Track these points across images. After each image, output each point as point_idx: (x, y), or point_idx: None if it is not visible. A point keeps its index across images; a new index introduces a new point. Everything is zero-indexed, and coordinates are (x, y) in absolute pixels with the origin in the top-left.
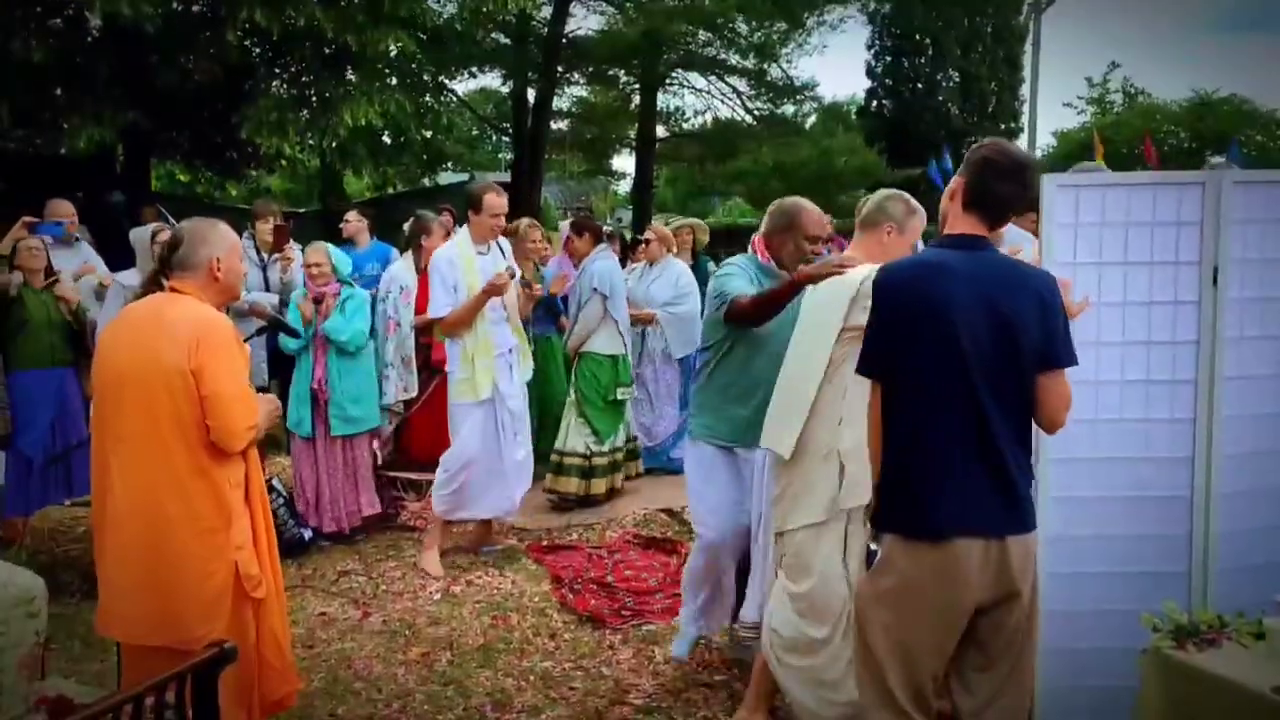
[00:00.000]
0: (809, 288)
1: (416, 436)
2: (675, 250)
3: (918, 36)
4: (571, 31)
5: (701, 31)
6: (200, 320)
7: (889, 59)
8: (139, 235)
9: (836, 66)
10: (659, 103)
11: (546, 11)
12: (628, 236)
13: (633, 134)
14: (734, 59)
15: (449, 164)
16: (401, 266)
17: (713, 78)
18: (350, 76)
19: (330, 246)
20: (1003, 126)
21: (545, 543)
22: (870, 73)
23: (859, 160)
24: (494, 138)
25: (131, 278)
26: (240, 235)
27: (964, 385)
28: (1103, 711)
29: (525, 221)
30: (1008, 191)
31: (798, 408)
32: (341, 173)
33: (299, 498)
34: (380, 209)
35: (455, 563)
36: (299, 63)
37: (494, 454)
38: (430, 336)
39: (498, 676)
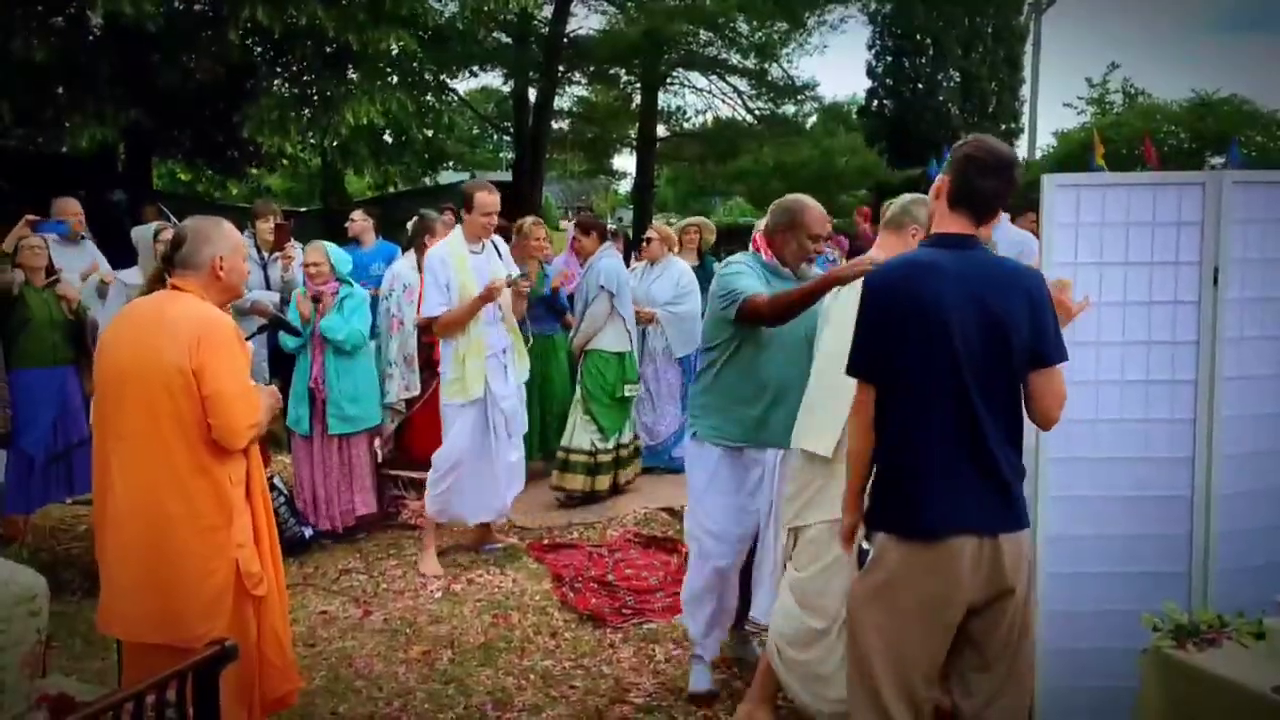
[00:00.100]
0: (835, 288)
1: (417, 435)
2: (677, 250)
3: (918, 36)
4: (573, 31)
5: (702, 31)
6: (202, 319)
7: (890, 59)
8: (141, 234)
9: (837, 66)
10: (660, 102)
11: (548, 11)
12: (629, 236)
13: (633, 133)
14: (735, 59)
15: (450, 163)
16: (404, 265)
17: (714, 77)
18: (351, 75)
19: (329, 246)
20: (1003, 126)
21: (546, 541)
22: (871, 73)
23: (860, 160)
24: (495, 137)
25: (133, 276)
26: (241, 234)
27: (955, 384)
28: (1103, 711)
29: (529, 220)
30: (992, 187)
31: (836, 408)
32: (343, 172)
33: (298, 496)
34: (382, 208)
35: (456, 561)
36: (300, 61)
37: (485, 455)
38: (432, 335)
39: (498, 675)
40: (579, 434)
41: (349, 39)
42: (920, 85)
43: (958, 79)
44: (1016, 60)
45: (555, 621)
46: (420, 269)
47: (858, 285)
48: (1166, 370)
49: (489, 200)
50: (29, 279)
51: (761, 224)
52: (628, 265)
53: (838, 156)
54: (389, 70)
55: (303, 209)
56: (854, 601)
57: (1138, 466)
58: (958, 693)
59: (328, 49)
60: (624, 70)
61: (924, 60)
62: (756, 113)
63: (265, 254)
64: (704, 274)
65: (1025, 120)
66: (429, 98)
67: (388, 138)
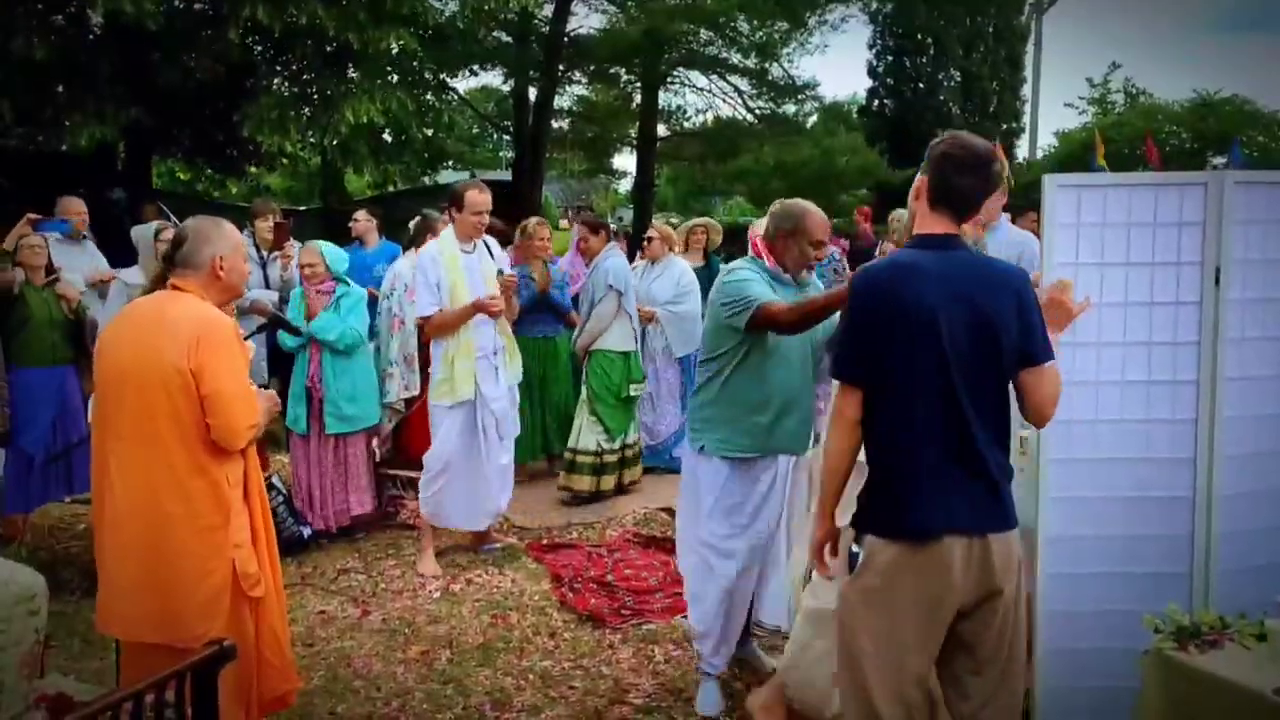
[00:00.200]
0: None
1: (415, 435)
2: (677, 249)
3: (919, 36)
4: (573, 30)
5: (703, 30)
6: (201, 319)
7: (890, 58)
8: (141, 233)
9: (838, 66)
10: (660, 101)
11: (548, 10)
12: (628, 235)
13: (634, 133)
14: (735, 58)
15: (450, 162)
16: (405, 265)
17: (714, 77)
18: (352, 74)
19: (324, 245)
20: (1004, 126)
21: (545, 541)
22: (872, 72)
23: (860, 160)
24: (495, 136)
25: (134, 275)
26: (240, 233)
27: (943, 385)
28: (1103, 712)
29: (533, 221)
30: (970, 184)
31: None
32: (342, 171)
33: (296, 495)
34: (382, 207)
35: (455, 561)
36: (300, 60)
37: (474, 458)
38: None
39: (497, 675)
40: (585, 435)
41: (349, 38)
42: (921, 85)
43: (959, 79)
44: (1018, 60)
45: (554, 622)
46: None
47: None
48: (1168, 371)
49: (480, 199)
50: (29, 278)
51: (755, 226)
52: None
53: (838, 156)
54: (389, 69)
55: (302, 208)
56: (844, 605)
57: (1139, 467)
58: (952, 695)
59: (328, 48)
60: (624, 69)
61: (925, 60)
62: (757, 112)
63: (264, 253)
64: (708, 274)
65: (1026, 120)
66: (429, 97)
67: (387, 137)
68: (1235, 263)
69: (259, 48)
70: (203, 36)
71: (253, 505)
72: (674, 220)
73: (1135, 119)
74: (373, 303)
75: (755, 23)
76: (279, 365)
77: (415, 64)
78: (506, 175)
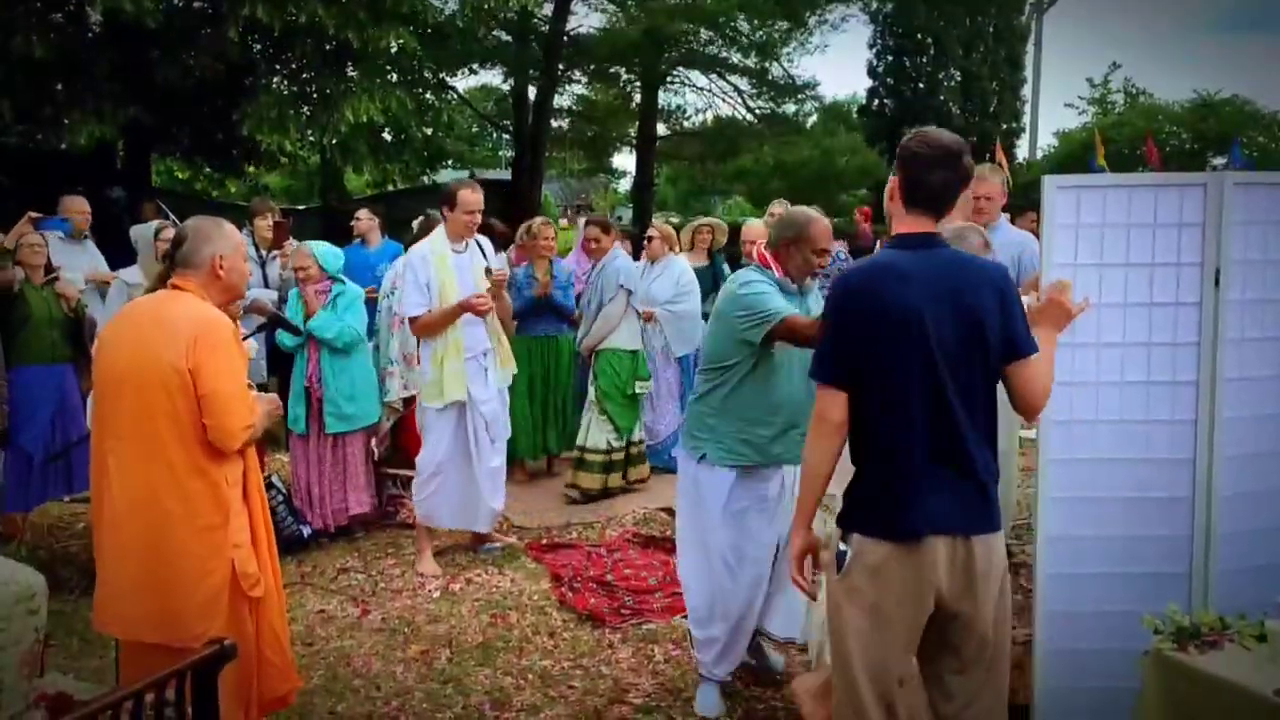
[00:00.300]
0: None
1: (414, 434)
2: (678, 249)
3: (919, 36)
4: (573, 29)
5: (703, 30)
6: (199, 318)
7: (890, 58)
8: (141, 232)
9: (838, 66)
10: (660, 101)
11: (548, 9)
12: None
13: (633, 132)
14: (735, 57)
15: (449, 161)
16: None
17: (714, 76)
18: (351, 73)
19: (316, 246)
20: (1004, 126)
21: (544, 541)
22: (872, 72)
23: (860, 160)
24: (494, 135)
25: (133, 275)
26: (240, 233)
27: (930, 385)
28: (1103, 712)
29: (538, 221)
30: (941, 180)
31: None
32: (342, 170)
33: (296, 495)
34: (382, 206)
35: (454, 561)
36: (300, 59)
37: (467, 461)
38: None
39: (496, 675)
40: (594, 433)
41: (349, 36)
42: (921, 85)
43: (959, 78)
44: (1018, 60)
45: (554, 621)
46: None
47: None
48: (1167, 371)
49: (473, 199)
50: (28, 276)
51: (749, 227)
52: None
53: (838, 156)
54: (389, 68)
55: (301, 207)
56: (832, 605)
57: (1138, 467)
58: (936, 696)
59: (327, 46)
60: (624, 69)
61: (925, 60)
62: (757, 112)
63: (264, 252)
64: (711, 273)
65: (1026, 120)
66: (428, 96)
67: (387, 135)
68: (1235, 264)
69: (258, 46)
70: (202, 35)
71: (252, 505)
72: (674, 220)
73: (1135, 119)
74: (371, 302)
75: (755, 22)
76: (278, 365)
77: (415, 63)
78: (506, 174)
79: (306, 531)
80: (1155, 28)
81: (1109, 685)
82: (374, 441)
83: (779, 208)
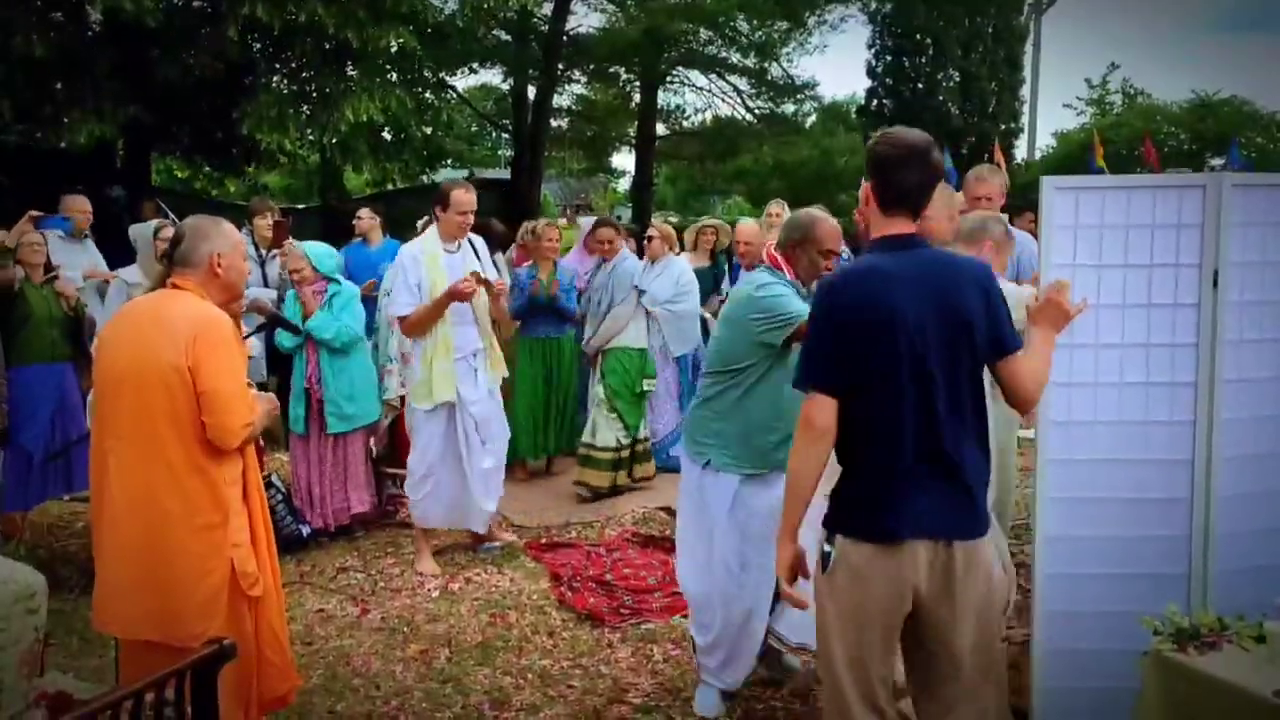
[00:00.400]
0: None
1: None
2: (677, 249)
3: (918, 36)
4: (572, 29)
5: (702, 30)
6: (198, 317)
7: (889, 58)
8: (140, 231)
9: (837, 66)
10: (659, 100)
11: (547, 8)
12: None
13: (633, 132)
14: (735, 57)
15: (449, 161)
16: None
17: (713, 76)
18: (351, 72)
19: (308, 246)
20: (1003, 126)
21: (544, 540)
22: (871, 72)
23: (859, 160)
24: (494, 135)
25: (133, 274)
26: (239, 232)
27: (918, 388)
28: (1101, 713)
29: (542, 222)
30: (912, 178)
31: None
32: (341, 169)
33: (295, 494)
34: (382, 204)
35: (453, 560)
36: (300, 58)
37: (457, 462)
38: None
39: (496, 674)
40: (603, 431)
41: (348, 36)
42: (920, 85)
43: (957, 79)
44: (1016, 60)
45: (553, 621)
46: None
47: None
48: (1166, 372)
49: (465, 199)
50: (28, 275)
51: (742, 226)
52: None
53: (837, 156)
54: (388, 67)
55: (301, 206)
56: (817, 606)
57: (1137, 468)
58: (920, 699)
59: (327, 46)
60: (623, 68)
61: (924, 60)
62: (756, 112)
63: (263, 251)
64: (713, 274)
65: (1025, 120)
66: (428, 95)
67: (387, 135)
68: (1233, 265)
69: (258, 45)
70: (202, 33)
71: (252, 504)
72: (673, 219)
73: (1134, 120)
74: (370, 299)
75: (755, 22)
76: (277, 365)
77: (414, 62)
78: (505, 174)
79: (305, 531)
80: (1154, 28)
81: (1107, 686)
82: (372, 440)
83: (777, 208)
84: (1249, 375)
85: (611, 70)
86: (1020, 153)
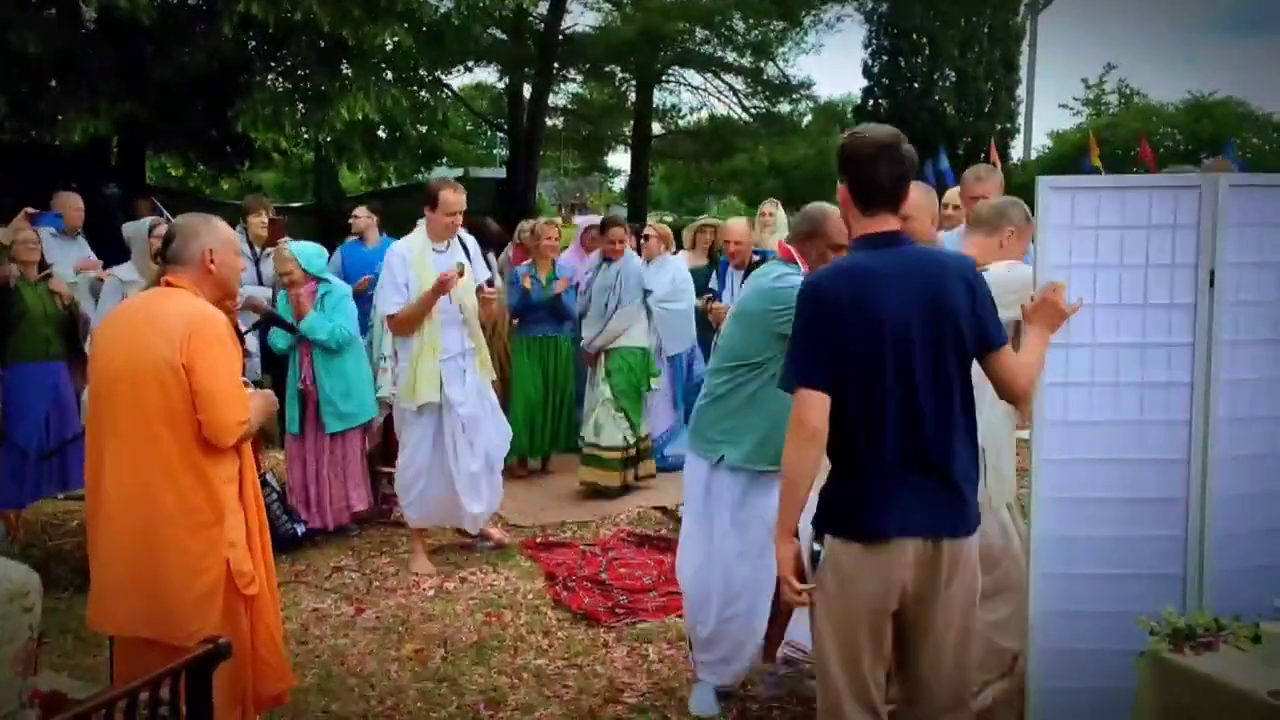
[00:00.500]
0: None
1: None
2: (673, 249)
3: (915, 36)
4: (568, 27)
5: (698, 29)
6: (193, 314)
7: (886, 58)
8: (135, 229)
9: (833, 65)
10: (655, 100)
11: (543, 7)
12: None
13: (628, 131)
14: (731, 57)
15: (444, 160)
16: None
17: (709, 75)
18: (346, 70)
19: (295, 248)
20: (999, 127)
21: (539, 540)
22: (867, 72)
23: None
24: (489, 133)
25: (128, 272)
26: (233, 230)
27: (903, 386)
28: (1097, 714)
29: (541, 220)
30: (885, 172)
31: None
32: (336, 167)
33: (291, 493)
34: (378, 202)
35: (448, 559)
36: (295, 56)
37: (442, 464)
38: None
39: (491, 674)
40: (610, 430)
41: (344, 34)
42: (916, 85)
43: (954, 79)
44: (1013, 60)
45: (548, 620)
46: None
47: None
48: (1162, 372)
49: (454, 200)
50: (23, 273)
51: (731, 225)
52: None
53: (833, 156)
54: (384, 65)
55: (296, 205)
56: (812, 607)
57: (1133, 468)
58: (900, 696)
59: (322, 44)
60: (619, 67)
61: (920, 60)
62: (752, 111)
63: (258, 250)
64: (709, 274)
65: (1021, 121)
66: (423, 93)
67: (382, 133)
68: (1229, 265)
69: (253, 43)
70: (197, 31)
71: (247, 503)
72: (668, 219)
73: (1129, 120)
74: (362, 295)
75: (751, 21)
76: (271, 365)
77: (410, 60)
78: (501, 173)
79: (300, 530)
80: (1151, 29)
81: (1104, 686)
82: (365, 437)
83: (770, 207)
84: (1244, 375)
85: (607, 69)
86: (1016, 153)
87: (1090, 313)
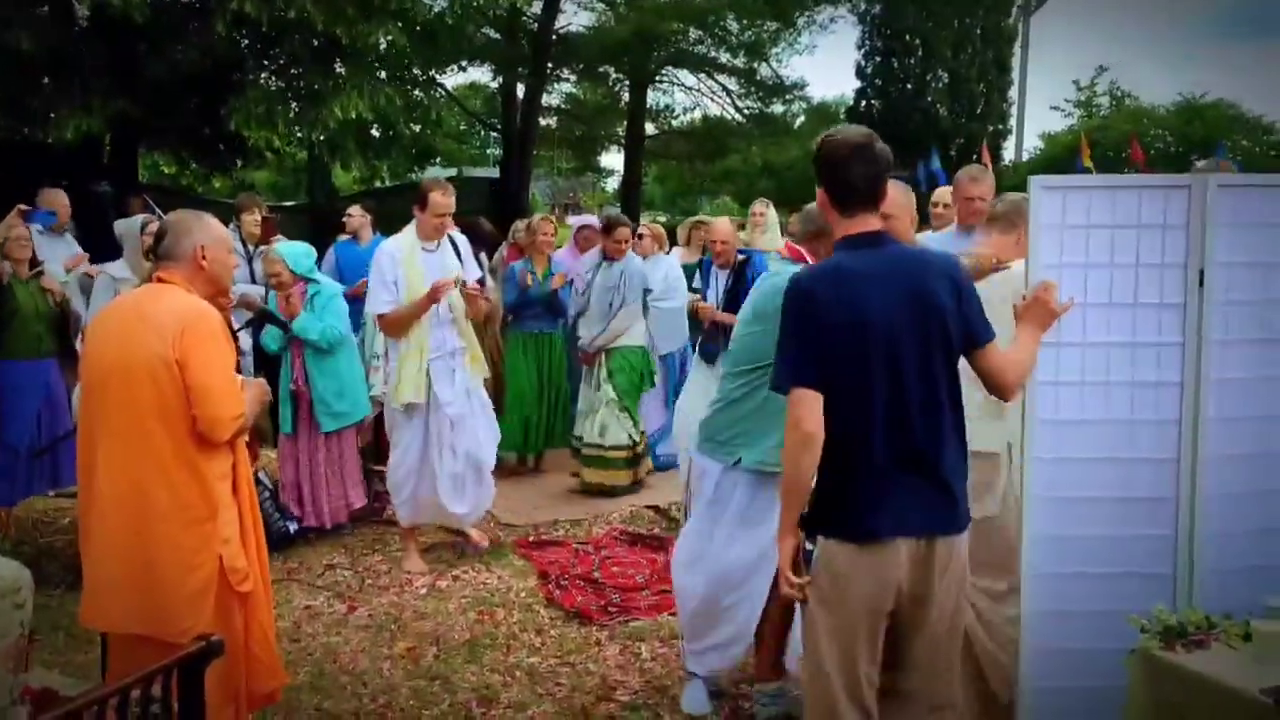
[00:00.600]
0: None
1: None
2: (666, 248)
3: (908, 37)
4: (562, 27)
5: (692, 29)
6: (186, 310)
7: (879, 59)
8: (126, 226)
9: (826, 66)
10: (648, 100)
11: (537, 7)
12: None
13: (622, 131)
14: (724, 57)
15: (437, 159)
16: None
17: (703, 76)
18: (340, 69)
19: (282, 250)
20: (991, 128)
21: (532, 538)
22: (860, 73)
23: None
24: (482, 133)
25: (119, 269)
26: (226, 228)
27: (891, 386)
28: (1089, 712)
29: (537, 216)
30: (861, 173)
31: (1007, 407)
32: (330, 166)
33: (283, 491)
34: (372, 201)
35: (441, 557)
36: (288, 55)
37: (427, 463)
38: None
39: (484, 672)
40: (614, 430)
41: (337, 32)
42: (909, 86)
43: (946, 80)
44: (1005, 62)
45: (541, 619)
46: None
47: (997, 283)
48: (1152, 372)
49: (443, 202)
50: (14, 270)
51: (715, 225)
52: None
53: None
54: (377, 64)
55: (289, 203)
56: (802, 608)
57: (1124, 467)
58: (881, 695)
59: (316, 42)
60: (613, 67)
61: (913, 61)
62: (745, 112)
63: (250, 248)
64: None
65: (1013, 122)
66: (417, 93)
67: (375, 132)
68: (1218, 265)
69: (246, 41)
70: (190, 29)
71: (241, 500)
72: (661, 219)
73: (1121, 122)
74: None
75: (744, 22)
76: (263, 365)
77: (404, 59)
78: (494, 172)
79: (293, 527)
80: (1143, 32)
81: (1096, 685)
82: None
83: (760, 206)
84: (1233, 375)
85: (601, 69)
86: (1008, 154)
87: (1081, 312)
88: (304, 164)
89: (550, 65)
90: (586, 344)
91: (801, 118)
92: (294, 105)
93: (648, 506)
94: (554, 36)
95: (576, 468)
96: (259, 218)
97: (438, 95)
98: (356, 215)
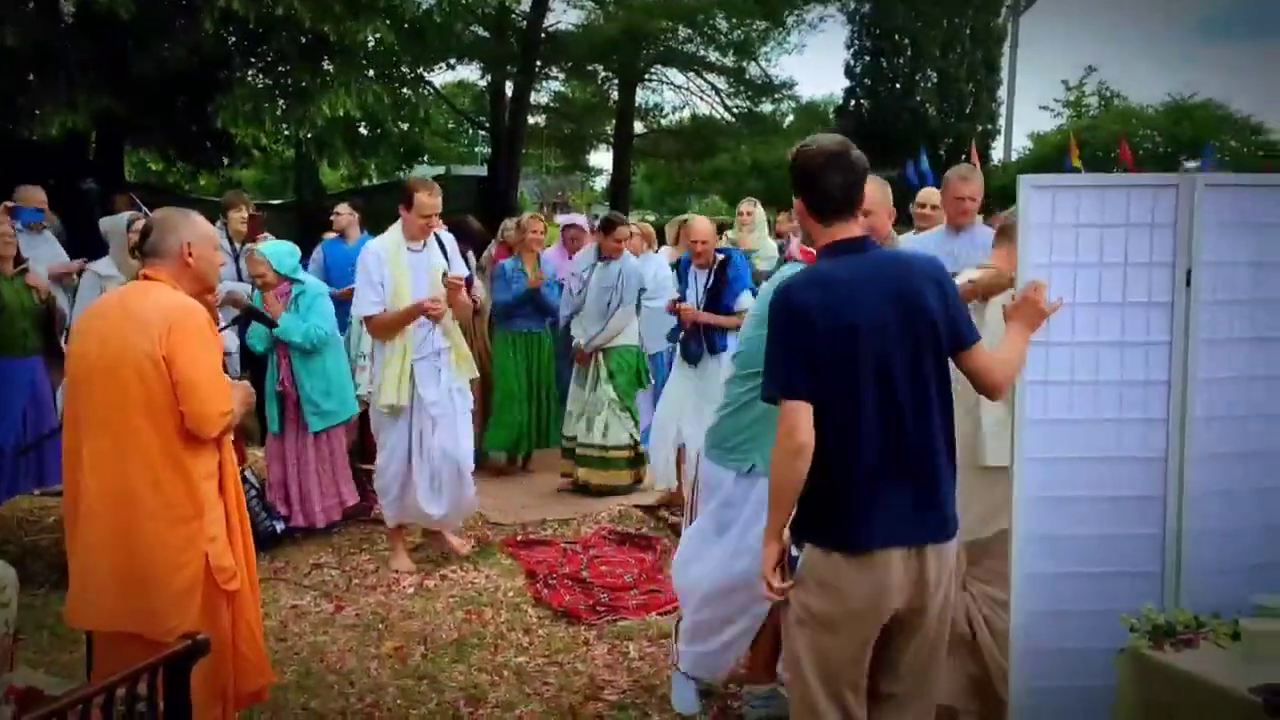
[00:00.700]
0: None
1: None
2: (655, 247)
3: (897, 37)
4: (551, 25)
5: (681, 28)
6: (172, 307)
7: (868, 59)
8: (112, 224)
9: (815, 65)
10: (637, 98)
11: (526, 5)
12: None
13: (610, 129)
14: (713, 56)
15: (425, 157)
16: None
17: (692, 74)
18: (327, 67)
19: (267, 250)
20: (980, 128)
21: (520, 537)
22: (849, 72)
23: None
24: (471, 131)
25: (105, 267)
26: (212, 225)
27: (880, 393)
28: (1080, 712)
29: (527, 215)
30: (837, 182)
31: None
32: (317, 164)
33: (270, 490)
34: (361, 199)
35: (428, 556)
36: (276, 52)
37: (409, 463)
38: None
39: (471, 671)
40: (615, 430)
41: (325, 30)
42: (898, 85)
43: (935, 80)
44: (994, 62)
45: (529, 618)
46: None
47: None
48: (1140, 371)
49: (429, 202)
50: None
51: (694, 227)
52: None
53: None
54: (365, 62)
55: (276, 202)
56: (788, 615)
57: (1113, 466)
58: (869, 704)
59: (303, 39)
60: (602, 66)
61: (902, 60)
62: (734, 111)
63: (237, 245)
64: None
65: (1002, 122)
66: (405, 91)
67: (363, 130)
68: (1206, 264)
69: (233, 38)
70: (177, 26)
71: (228, 498)
72: (649, 218)
73: (1109, 122)
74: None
75: (733, 21)
76: (250, 364)
77: (392, 57)
78: (482, 171)
79: (279, 526)
80: (1132, 32)
81: (1088, 685)
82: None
83: (748, 206)
84: (1221, 374)
85: (590, 67)
86: (997, 154)
87: (1070, 311)
88: (291, 162)
89: (539, 63)
90: (584, 343)
91: (790, 117)
92: (281, 103)
93: (635, 505)
94: (543, 34)
95: (567, 467)
96: (246, 215)
97: (426, 93)
98: (344, 213)
